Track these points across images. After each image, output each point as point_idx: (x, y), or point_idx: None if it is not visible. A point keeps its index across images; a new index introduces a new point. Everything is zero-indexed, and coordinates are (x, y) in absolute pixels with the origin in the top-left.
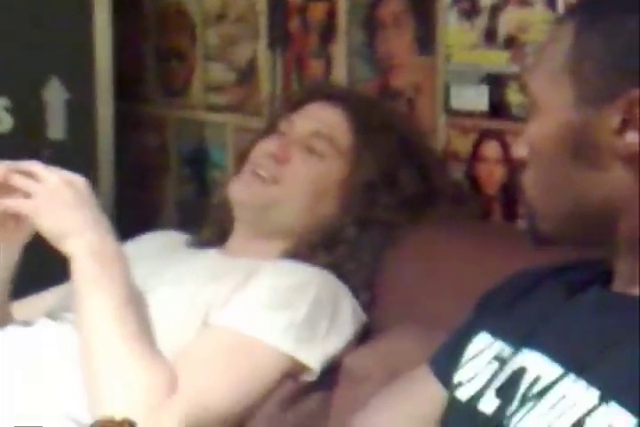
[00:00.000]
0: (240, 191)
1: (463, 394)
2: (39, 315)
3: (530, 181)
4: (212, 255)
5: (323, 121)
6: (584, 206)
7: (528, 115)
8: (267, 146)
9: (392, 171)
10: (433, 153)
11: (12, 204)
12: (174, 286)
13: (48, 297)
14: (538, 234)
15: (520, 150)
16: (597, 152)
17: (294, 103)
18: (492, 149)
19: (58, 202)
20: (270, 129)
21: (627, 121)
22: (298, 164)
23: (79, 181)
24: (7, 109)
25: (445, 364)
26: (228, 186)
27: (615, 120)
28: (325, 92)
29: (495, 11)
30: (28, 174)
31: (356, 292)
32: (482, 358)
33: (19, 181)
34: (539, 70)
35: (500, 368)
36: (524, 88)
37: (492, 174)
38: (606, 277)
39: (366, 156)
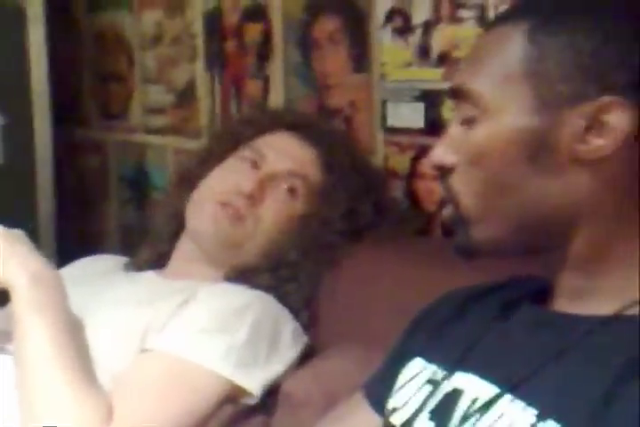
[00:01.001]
0: (205, 224)
1: (397, 419)
2: None
3: (466, 186)
4: (149, 278)
5: (296, 159)
6: (534, 212)
7: (462, 119)
8: (239, 181)
9: (354, 206)
10: (384, 179)
11: None
12: (112, 311)
13: None
14: (469, 244)
15: (445, 156)
16: (556, 157)
17: (257, 128)
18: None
19: None
20: (224, 152)
21: (591, 126)
22: (271, 205)
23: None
24: None
25: (379, 391)
26: (190, 214)
27: (579, 125)
28: (292, 122)
29: (427, 28)
30: None
31: (295, 313)
32: (415, 383)
33: None
34: (485, 73)
35: (433, 391)
36: (453, 92)
37: (431, 191)
38: (539, 294)
39: (335, 194)
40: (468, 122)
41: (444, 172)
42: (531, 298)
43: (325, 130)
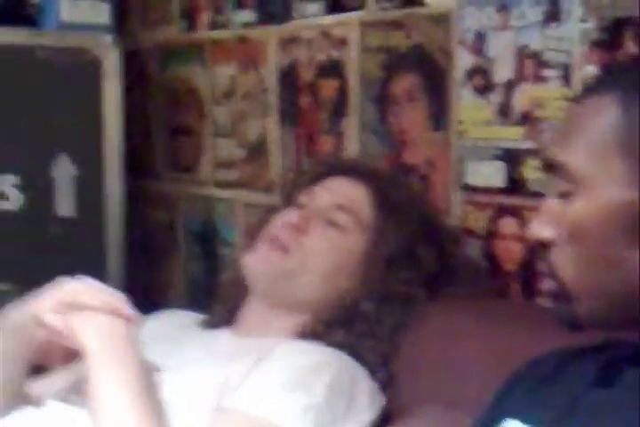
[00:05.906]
0: (256, 261)
1: None
2: (47, 396)
3: (567, 261)
4: (224, 336)
5: (345, 195)
6: (633, 287)
7: (558, 193)
8: (286, 217)
9: (412, 247)
10: (451, 231)
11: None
12: (190, 370)
13: (57, 379)
14: (574, 318)
15: (543, 231)
16: None
17: (313, 177)
18: (508, 225)
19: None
20: (286, 203)
21: None
22: (317, 235)
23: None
24: (16, 187)
25: None
26: (243, 258)
27: None
28: (346, 168)
29: (509, 87)
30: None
31: (372, 370)
32: None
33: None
34: (577, 146)
35: None
36: (547, 166)
37: (510, 251)
38: (637, 358)
39: (388, 231)
40: (565, 196)
41: (543, 246)
42: (632, 362)
43: (383, 173)
